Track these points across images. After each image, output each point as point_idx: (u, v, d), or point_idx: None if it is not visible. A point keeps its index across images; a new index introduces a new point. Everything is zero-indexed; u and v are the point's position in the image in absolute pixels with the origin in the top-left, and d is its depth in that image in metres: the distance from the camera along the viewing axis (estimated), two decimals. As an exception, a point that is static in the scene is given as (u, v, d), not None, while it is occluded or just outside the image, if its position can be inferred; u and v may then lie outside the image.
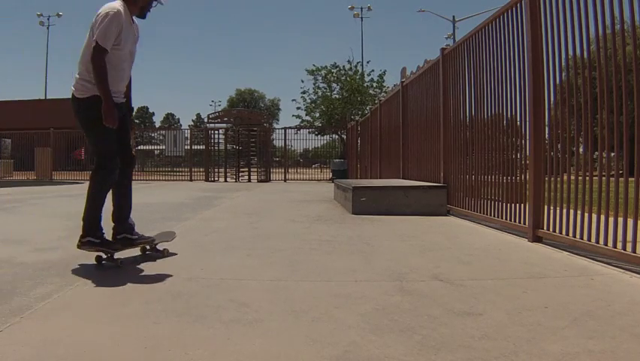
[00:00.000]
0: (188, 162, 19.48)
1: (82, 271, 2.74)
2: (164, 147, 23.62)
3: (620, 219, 2.86)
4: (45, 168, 18.35)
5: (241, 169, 17.27)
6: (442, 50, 6.19)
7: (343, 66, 22.33)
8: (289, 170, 19.62)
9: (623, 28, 3.01)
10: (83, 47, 2.93)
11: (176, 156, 21.40)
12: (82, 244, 2.95)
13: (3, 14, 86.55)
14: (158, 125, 70.35)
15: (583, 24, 3.17)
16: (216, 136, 18.47)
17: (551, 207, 3.58)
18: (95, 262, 2.97)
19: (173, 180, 18.43)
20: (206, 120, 20.69)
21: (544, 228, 3.66)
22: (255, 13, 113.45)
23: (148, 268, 2.91)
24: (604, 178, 3.11)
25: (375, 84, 21.99)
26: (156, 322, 1.90)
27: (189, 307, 2.08)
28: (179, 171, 21.31)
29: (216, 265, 2.99)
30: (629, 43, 2.80)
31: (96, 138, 2.96)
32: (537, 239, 3.72)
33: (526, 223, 3.88)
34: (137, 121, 66.44)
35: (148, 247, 3.29)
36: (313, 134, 21.04)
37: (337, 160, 18.13)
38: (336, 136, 21.78)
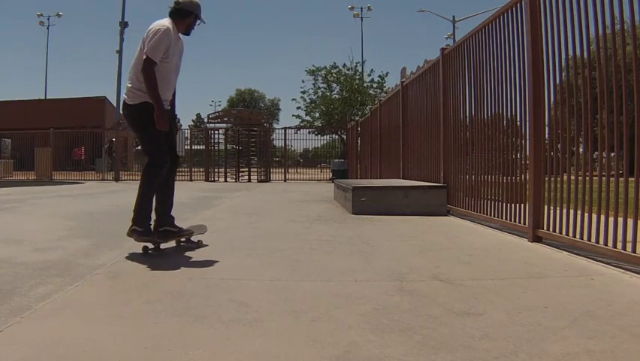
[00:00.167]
0: (188, 162, 19.47)
1: (82, 270, 2.74)
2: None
3: (620, 219, 2.86)
4: (45, 168, 18.34)
5: (241, 169, 17.27)
6: (442, 50, 6.19)
7: (344, 65, 22.35)
8: (289, 170, 19.60)
9: (623, 28, 3.01)
10: (135, 58, 3.31)
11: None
12: (130, 232, 3.28)
13: (3, 14, 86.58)
14: (158, 125, 70.16)
15: (583, 24, 3.17)
16: (216, 136, 18.47)
17: (551, 207, 3.58)
18: (96, 262, 2.96)
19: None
20: (206, 120, 20.69)
21: (544, 228, 3.66)
22: (255, 13, 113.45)
23: (148, 267, 2.91)
24: (604, 178, 3.11)
25: (375, 84, 22.00)
26: (156, 322, 1.90)
27: (189, 307, 2.08)
28: (179, 171, 21.12)
29: (216, 265, 2.99)
30: (629, 43, 2.80)
31: (147, 140, 3.34)
32: (537, 239, 3.72)
33: (526, 223, 3.88)
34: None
35: (183, 239, 3.54)
36: (313, 135, 21.03)
37: (337, 160, 18.13)
38: (336, 136, 21.78)
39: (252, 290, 2.37)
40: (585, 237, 3.13)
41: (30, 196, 8.85)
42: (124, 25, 18.62)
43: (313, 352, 1.60)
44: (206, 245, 3.58)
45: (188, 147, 19.81)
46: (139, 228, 3.25)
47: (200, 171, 18.67)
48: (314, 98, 22.31)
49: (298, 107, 22.60)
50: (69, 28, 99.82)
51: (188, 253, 3.35)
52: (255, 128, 17.81)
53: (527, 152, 4.06)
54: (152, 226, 3.34)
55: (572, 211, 3.31)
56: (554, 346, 1.63)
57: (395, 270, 2.78)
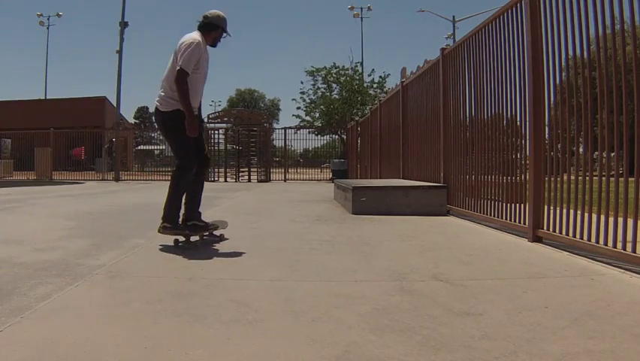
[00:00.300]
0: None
1: (82, 270, 2.74)
2: (164, 147, 23.60)
3: (620, 219, 2.86)
4: (45, 168, 18.33)
5: (241, 169, 17.26)
6: (442, 50, 6.19)
7: (343, 66, 22.33)
8: (289, 170, 19.60)
9: (623, 28, 3.01)
10: (167, 69, 3.57)
11: (176, 156, 21.35)
12: (162, 229, 3.56)
13: (3, 14, 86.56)
14: (158, 125, 70.15)
15: (583, 24, 3.17)
16: (216, 136, 18.46)
17: (551, 207, 3.58)
18: (96, 262, 2.96)
19: (173, 180, 18.38)
20: (206, 120, 20.65)
21: (544, 228, 3.66)
22: (255, 13, 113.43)
23: (148, 267, 2.91)
24: (604, 178, 3.11)
25: (375, 85, 21.99)
26: (156, 322, 1.90)
27: (189, 307, 2.08)
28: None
29: (216, 265, 2.99)
30: (629, 43, 2.80)
31: (177, 144, 3.59)
32: (537, 239, 3.72)
33: (526, 223, 3.88)
34: (136, 121, 66.58)
35: (206, 233, 3.76)
36: (313, 135, 21.02)
37: (337, 160, 18.12)
38: (336, 136, 21.76)
39: (252, 290, 2.37)
40: (585, 237, 3.13)
41: (30, 196, 8.85)
42: (124, 25, 18.54)
43: (313, 352, 1.60)
44: (227, 238, 3.85)
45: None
46: (168, 224, 3.55)
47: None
48: (314, 98, 22.30)
49: (298, 108, 22.61)
50: (69, 28, 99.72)
51: (188, 252, 3.35)
52: (255, 128, 17.81)
53: (527, 152, 4.06)
54: (180, 220, 3.62)
55: (571, 211, 3.31)
56: (554, 346, 1.63)
57: (395, 270, 2.78)
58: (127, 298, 2.21)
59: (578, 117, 3.35)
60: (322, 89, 22.33)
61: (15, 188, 11.92)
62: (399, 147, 8.45)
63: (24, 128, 21.27)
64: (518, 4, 4.05)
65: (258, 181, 16.94)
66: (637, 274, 2.63)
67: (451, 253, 3.39)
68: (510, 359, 1.53)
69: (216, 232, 3.84)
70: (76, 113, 28.37)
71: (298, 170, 20.92)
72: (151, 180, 18.24)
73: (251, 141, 17.43)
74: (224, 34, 3.74)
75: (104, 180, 17.74)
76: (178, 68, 3.40)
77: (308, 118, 22.37)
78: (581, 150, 3.41)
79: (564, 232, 3.38)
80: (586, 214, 3.16)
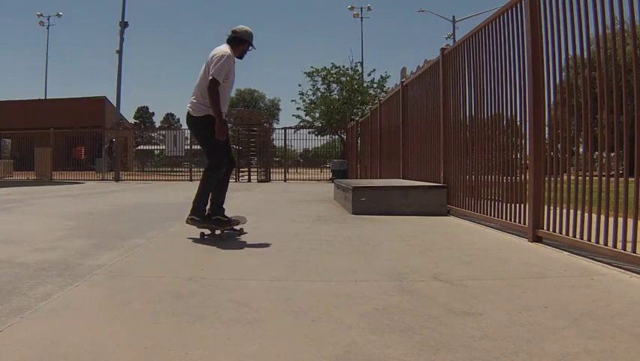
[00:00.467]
0: (188, 162, 19.46)
1: (82, 270, 2.74)
2: (164, 147, 23.62)
3: (620, 219, 2.86)
4: (45, 168, 18.33)
5: (241, 169, 17.25)
6: (442, 50, 6.19)
7: (342, 65, 22.32)
8: (289, 170, 19.60)
9: (623, 28, 3.01)
10: (199, 78, 3.93)
11: (176, 156, 21.40)
12: (190, 220, 3.94)
13: (3, 14, 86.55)
14: (158, 125, 70.28)
15: (583, 24, 3.17)
16: (216, 136, 18.42)
17: (551, 207, 3.58)
18: (96, 262, 2.96)
19: (174, 180, 18.43)
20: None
21: (544, 228, 3.66)
22: (255, 13, 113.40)
23: (148, 267, 2.91)
24: (604, 178, 3.11)
25: (375, 85, 21.98)
26: (156, 322, 1.90)
27: (189, 307, 2.08)
28: (179, 171, 21.29)
29: (216, 265, 2.99)
30: (629, 43, 2.80)
31: (209, 147, 3.95)
32: (537, 239, 3.72)
33: (526, 223, 3.88)
34: (136, 121, 66.58)
35: (228, 227, 4.02)
36: (313, 135, 21.01)
37: (337, 160, 18.11)
38: (336, 136, 21.76)
39: (252, 290, 2.37)
40: (585, 237, 3.13)
41: (30, 196, 8.85)
42: (124, 25, 18.54)
43: (313, 352, 1.60)
44: (246, 232, 4.17)
45: (189, 147, 19.81)
46: (197, 217, 3.91)
47: (200, 171, 18.58)
48: (313, 99, 22.29)
49: (298, 108, 22.60)
50: (69, 28, 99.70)
51: (188, 252, 3.35)
52: (255, 128, 17.80)
53: (527, 152, 4.06)
54: (205, 214, 3.95)
55: (571, 211, 3.31)
56: (554, 346, 1.63)
57: (395, 270, 2.78)
58: (127, 298, 2.21)
59: (578, 117, 3.35)
60: (322, 90, 22.33)
61: (15, 188, 11.93)
62: (399, 147, 8.45)
63: (24, 128, 21.27)
64: (518, 4, 4.05)
65: (258, 181, 16.94)
66: (637, 274, 2.63)
67: (451, 253, 3.39)
68: (510, 359, 1.53)
69: (236, 227, 4.11)
70: (76, 113, 28.36)
71: (298, 170, 20.92)
72: (151, 180, 18.25)
73: (251, 141, 17.43)
74: (251, 48, 4.08)
75: (104, 180, 17.74)
76: (210, 77, 3.75)
77: (308, 118, 22.38)
78: (581, 150, 3.41)
79: (564, 232, 3.38)
80: (586, 214, 3.16)
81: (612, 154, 3.07)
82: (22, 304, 2.08)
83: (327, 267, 2.89)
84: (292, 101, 22.71)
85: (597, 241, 3.01)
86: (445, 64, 6.08)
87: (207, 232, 3.94)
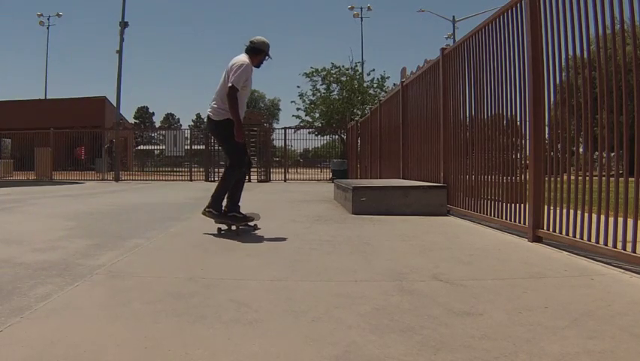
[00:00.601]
0: (188, 162, 19.46)
1: (82, 270, 2.74)
2: (164, 147, 23.60)
3: (620, 219, 2.86)
4: (45, 168, 18.31)
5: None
6: (442, 50, 6.19)
7: (342, 65, 22.29)
8: (289, 170, 19.60)
9: (623, 28, 3.01)
10: (220, 84, 4.24)
11: (176, 156, 21.39)
12: (207, 213, 4.24)
13: (3, 14, 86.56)
14: (158, 125, 70.32)
15: (583, 24, 3.17)
16: (216, 136, 18.41)
17: (551, 207, 3.58)
18: (96, 262, 2.97)
19: (173, 180, 18.43)
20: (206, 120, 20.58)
21: (544, 228, 3.66)
22: (255, 13, 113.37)
23: (148, 267, 2.91)
24: (604, 178, 3.11)
25: (375, 84, 21.97)
26: (156, 322, 1.90)
27: (189, 307, 2.08)
28: (179, 171, 21.30)
29: (216, 265, 2.99)
30: (629, 43, 2.79)
31: (229, 148, 4.27)
32: (537, 239, 3.72)
33: (526, 223, 3.88)
34: (136, 121, 66.58)
35: (243, 223, 4.27)
36: (313, 135, 21.00)
37: (337, 160, 18.11)
38: (336, 136, 21.74)
39: (252, 290, 2.37)
40: (585, 237, 3.13)
41: (30, 196, 8.85)
42: (124, 25, 18.54)
43: (313, 352, 1.60)
44: (259, 228, 4.41)
45: (188, 147, 19.81)
46: (214, 211, 4.20)
47: (200, 171, 18.66)
48: (313, 99, 22.27)
49: (298, 109, 22.57)
50: (69, 28, 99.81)
51: (188, 252, 3.35)
52: (255, 128, 17.78)
53: (527, 152, 4.06)
54: (222, 209, 4.23)
55: (571, 211, 3.31)
56: (554, 346, 1.63)
57: (395, 270, 2.78)
58: (127, 298, 2.21)
59: (578, 117, 3.35)
60: (322, 90, 22.29)
61: (15, 188, 11.92)
62: (399, 147, 8.45)
63: (24, 128, 21.25)
64: (518, 4, 4.05)
65: (258, 181, 16.93)
66: (637, 274, 2.63)
67: (451, 253, 3.39)
68: (510, 359, 1.53)
69: (251, 223, 4.35)
70: (76, 113, 28.35)
71: (298, 170, 20.92)
72: (151, 180, 18.26)
73: (251, 141, 17.39)
74: (267, 57, 4.38)
75: (104, 180, 17.74)
76: (230, 85, 4.04)
77: (308, 118, 22.36)
78: (581, 150, 3.41)
79: (564, 232, 3.38)
80: (586, 214, 3.16)
81: (612, 154, 3.07)
82: (22, 304, 2.08)
83: (327, 267, 2.89)
84: (292, 102, 22.64)
85: (597, 241, 3.01)
86: (445, 64, 6.08)
87: (224, 227, 4.22)
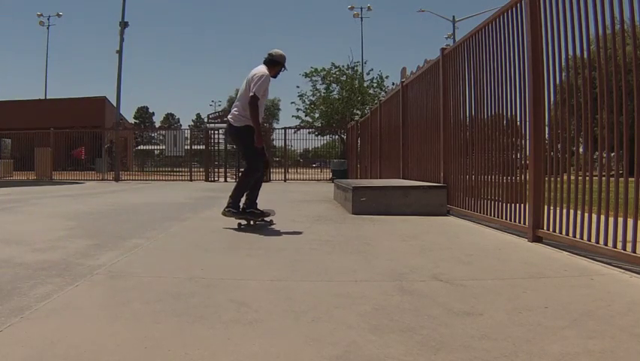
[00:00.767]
0: (188, 162, 19.46)
1: (82, 270, 2.74)
2: (164, 147, 23.60)
3: (620, 219, 2.86)
4: (45, 168, 18.31)
5: (241, 169, 17.18)
6: (442, 50, 6.19)
7: (342, 65, 22.27)
8: (289, 170, 19.60)
9: (623, 28, 3.01)
10: (240, 94, 4.66)
11: (176, 156, 21.40)
12: (226, 211, 4.60)
13: (3, 14, 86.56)
14: (158, 125, 70.35)
15: (583, 24, 3.17)
16: (216, 136, 18.46)
17: (551, 207, 3.58)
18: (96, 262, 2.97)
19: (173, 180, 18.43)
20: (206, 120, 20.66)
21: (544, 228, 3.66)
22: (255, 13, 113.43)
23: (148, 267, 2.91)
24: (604, 178, 3.11)
25: (375, 84, 21.95)
26: (156, 322, 1.90)
27: (189, 307, 2.08)
28: (179, 171, 21.30)
29: (216, 265, 2.99)
30: (629, 43, 2.79)
31: (249, 153, 4.65)
32: (537, 239, 3.72)
33: (526, 223, 3.88)
34: (136, 121, 66.57)
35: (260, 219, 4.70)
36: (313, 135, 20.99)
37: (337, 160, 18.10)
38: (336, 136, 21.73)
39: (252, 290, 2.37)
40: (585, 237, 3.13)
41: (30, 196, 8.85)
42: (124, 25, 18.53)
43: (313, 352, 1.60)
44: (275, 223, 4.80)
45: (188, 147, 19.81)
46: (234, 209, 4.57)
47: (200, 171, 18.67)
48: (313, 99, 22.25)
49: (298, 109, 22.56)
50: (69, 28, 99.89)
51: (189, 252, 3.35)
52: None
53: (527, 152, 4.05)
54: (240, 207, 4.61)
55: (571, 211, 3.31)
56: (554, 346, 1.63)
57: (395, 270, 2.78)
58: (127, 298, 2.21)
59: (578, 117, 3.35)
60: (321, 90, 22.27)
61: (15, 188, 11.92)
62: (399, 147, 8.45)
63: (24, 128, 21.24)
64: (518, 4, 4.05)
65: (258, 181, 16.90)
66: (637, 274, 2.63)
67: (451, 253, 3.38)
68: (510, 359, 1.53)
69: (267, 218, 4.77)
70: (76, 113, 28.35)
71: (298, 170, 20.92)
72: (151, 180, 18.25)
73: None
74: (283, 69, 4.77)
75: (104, 180, 17.73)
76: (251, 94, 4.41)
77: (308, 118, 22.35)
78: (581, 150, 3.41)
79: (564, 232, 3.38)
80: (586, 214, 3.16)
81: (612, 154, 3.07)
82: (22, 304, 2.08)
83: (327, 267, 2.89)
84: (292, 103, 22.59)
85: (597, 241, 3.01)
86: (445, 64, 6.08)
87: (244, 222, 4.62)
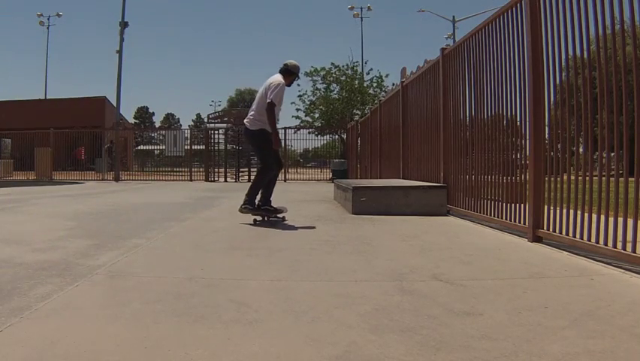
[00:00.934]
0: (188, 162, 19.46)
1: (82, 270, 2.74)
2: (164, 147, 23.60)
3: (620, 219, 2.86)
4: (45, 168, 18.31)
5: (241, 169, 17.25)
6: (442, 50, 6.19)
7: (342, 65, 22.25)
8: (289, 170, 19.59)
9: (623, 28, 3.01)
10: (257, 99, 5.03)
11: (176, 156, 21.40)
12: (242, 208, 5.03)
13: (3, 14, 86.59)
14: (158, 125, 70.33)
15: (583, 24, 3.17)
16: (216, 136, 18.47)
17: (551, 207, 3.58)
18: (96, 262, 2.97)
19: (173, 180, 18.43)
20: (206, 120, 20.66)
21: (544, 228, 3.66)
22: (255, 13, 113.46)
23: (148, 267, 2.91)
24: (604, 178, 3.11)
25: (374, 84, 21.94)
26: (156, 322, 1.90)
27: (189, 307, 2.08)
28: (179, 171, 21.30)
29: (216, 265, 2.99)
30: (629, 43, 2.80)
31: (264, 155, 5.05)
32: (537, 239, 3.72)
33: (526, 223, 3.88)
34: (136, 121, 66.57)
35: (274, 215, 5.06)
36: (313, 135, 20.98)
37: (337, 160, 18.10)
38: (336, 136, 21.72)
39: (252, 290, 2.37)
40: (585, 237, 3.13)
41: (30, 196, 8.85)
42: (124, 25, 18.52)
43: (313, 352, 1.60)
44: (287, 220, 5.08)
45: (188, 147, 19.81)
46: (249, 206, 5.00)
47: (200, 171, 18.68)
48: (313, 99, 22.23)
49: (298, 110, 22.54)
50: (69, 28, 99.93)
51: (189, 252, 3.35)
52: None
53: (527, 152, 4.05)
54: (256, 204, 5.00)
55: (571, 211, 3.31)
56: (554, 346, 1.63)
57: (395, 270, 2.78)
58: (127, 298, 2.21)
59: (578, 117, 3.35)
60: (321, 90, 22.25)
61: (15, 188, 11.92)
62: (399, 147, 8.45)
63: (24, 128, 21.23)
64: (518, 4, 4.05)
65: (258, 181, 16.89)
66: (637, 274, 2.63)
67: (451, 253, 3.38)
68: (510, 359, 1.53)
69: (280, 215, 5.09)
70: (76, 113, 28.35)
71: (298, 170, 20.92)
72: (151, 180, 18.25)
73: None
74: (297, 78, 5.21)
75: (104, 180, 17.74)
76: (269, 101, 4.77)
77: (308, 118, 22.33)
78: (581, 150, 3.41)
79: (564, 232, 3.38)
80: (586, 214, 3.16)
81: (612, 154, 3.07)
82: (22, 304, 2.08)
83: (327, 267, 2.89)
84: (292, 103, 22.56)
85: (597, 241, 3.01)
86: (445, 64, 6.08)
87: (259, 218, 4.95)
